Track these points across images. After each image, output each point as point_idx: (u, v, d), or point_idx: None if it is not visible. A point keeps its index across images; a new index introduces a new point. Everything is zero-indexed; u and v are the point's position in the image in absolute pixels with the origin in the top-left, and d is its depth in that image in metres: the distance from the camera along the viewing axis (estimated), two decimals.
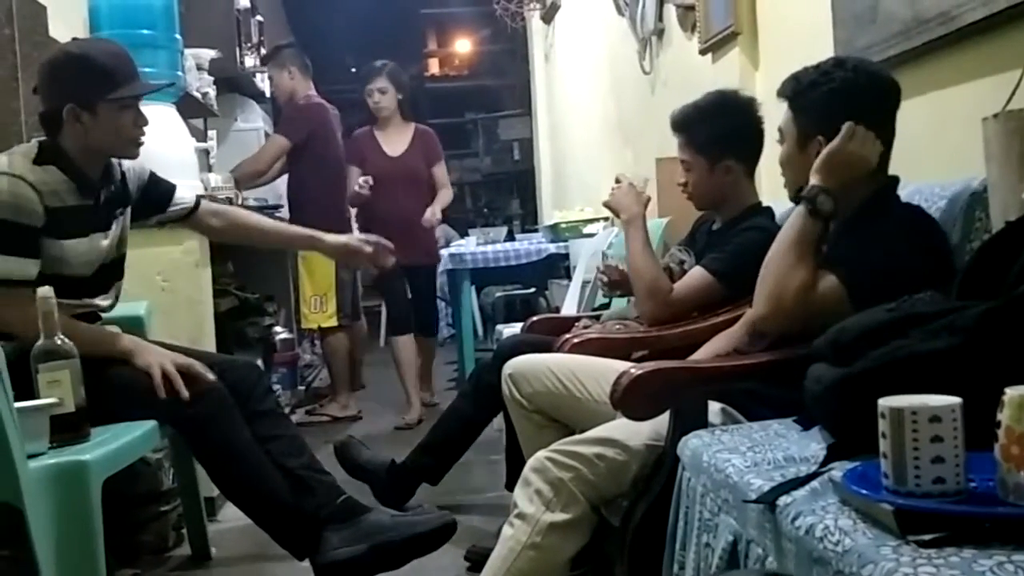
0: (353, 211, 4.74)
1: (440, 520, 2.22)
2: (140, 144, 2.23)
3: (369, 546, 2.10)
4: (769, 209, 2.30)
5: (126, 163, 2.35)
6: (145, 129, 2.23)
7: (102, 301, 2.29)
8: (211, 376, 2.13)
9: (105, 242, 2.25)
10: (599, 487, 1.73)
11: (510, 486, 2.39)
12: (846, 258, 1.58)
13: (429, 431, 2.88)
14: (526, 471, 1.78)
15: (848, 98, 1.64)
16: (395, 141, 4.50)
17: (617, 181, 2.46)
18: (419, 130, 4.61)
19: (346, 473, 2.78)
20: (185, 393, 2.08)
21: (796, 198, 1.68)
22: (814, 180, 1.63)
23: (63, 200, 2.11)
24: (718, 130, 2.24)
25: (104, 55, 2.17)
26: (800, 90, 1.69)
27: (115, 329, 2.29)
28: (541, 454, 1.77)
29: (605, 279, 2.54)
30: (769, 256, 1.65)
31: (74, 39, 2.76)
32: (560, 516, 1.73)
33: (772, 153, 2.27)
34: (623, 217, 2.37)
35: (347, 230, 4.60)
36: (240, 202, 3.83)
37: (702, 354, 2.00)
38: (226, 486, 2.23)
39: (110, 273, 2.32)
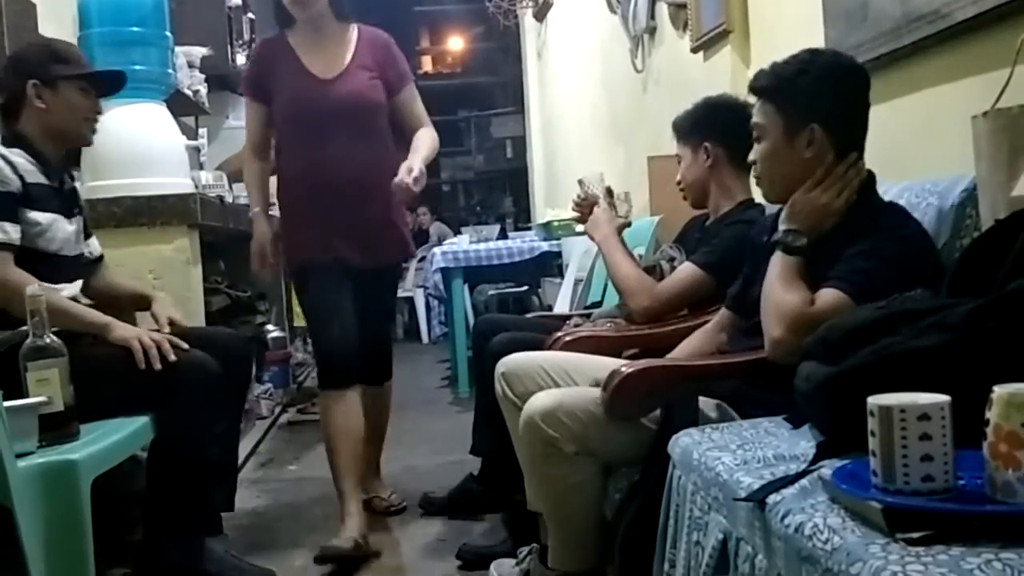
0: None
1: (260, 574, 2.30)
2: (95, 130, 2.32)
3: (190, 568, 2.17)
4: (760, 205, 2.31)
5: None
6: (100, 119, 2.32)
7: (77, 290, 2.30)
8: (184, 345, 2.14)
9: (71, 228, 2.30)
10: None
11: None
12: (845, 272, 1.57)
13: (473, 428, 2.81)
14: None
15: (835, 82, 1.65)
16: (327, 54, 2.68)
17: (580, 182, 2.55)
18: (366, 34, 2.75)
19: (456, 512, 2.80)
20: (158, 365, 2.08)
21: (770, 244, 1.69)
22: (783, 225, 1.66)
23: (32, 177, 2.18)
24: (701, 117, 2.33)
25: (62, 42, 2.34)
26: (783, 81, 1.67)
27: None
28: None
29: (577, 209, 2.56)
30: (763, 296, 1.65)
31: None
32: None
33: None
34: (596, 238, 2.44)
35: None
36: (232, 200, 3.82)
37: (679, 352, 2.01)
38: (162, 456, 2.21)
39: (79, 263, 2.36)
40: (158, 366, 2.07)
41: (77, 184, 2.46)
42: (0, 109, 2.26)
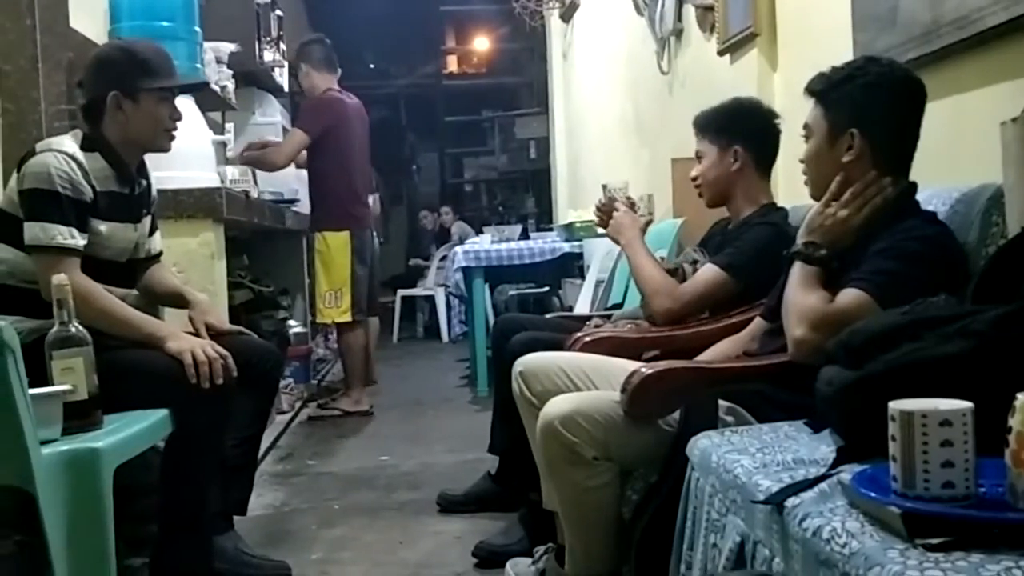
0: (373, 201, 4.63)
1: (274, 570, 2.31)
2: (173, 138, 2.33)
3: (200, 568, 2.18)
4: (784, 210, 2.30)
5: (153, 174, 2.45)
6: (179, 125, 2.32)
7: (129, 290, 2.33)
8: (235, 372, 2.14)
9: (135, 234, 2.34)
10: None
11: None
12: (865, 272, 1.57)
13: (491, 427, 2.86)
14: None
15: (883, 92, 1.65)
16: None
17: (604, 187, 2.54)
18: None
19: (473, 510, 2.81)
20: (206, 384, 2.08)
21: (789, 255, 1.69)
22: (802, 238, 1.67)
23: (105, 185, 2.21)
24: (729, 118, 2.32)
25: (147, 50, 2.30)
26: (833, 84, 1.69)
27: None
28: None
29: (597, 214, 2.56)
30: (784, 300, 1.66)
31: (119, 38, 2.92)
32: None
33: (789, 155, 2.26)
34: (622, 242, 2.44)
35: (366, 224, 4.61)
36: (256, 195, 3.84)
37: (707, 357, 2.00)
38: (176, 457, 2.20)
39: (136, 268, 2.39)
40: (207, 385, 2.08)
41: (152, 184, 2.44)
42: (83, 109, 2.28)
